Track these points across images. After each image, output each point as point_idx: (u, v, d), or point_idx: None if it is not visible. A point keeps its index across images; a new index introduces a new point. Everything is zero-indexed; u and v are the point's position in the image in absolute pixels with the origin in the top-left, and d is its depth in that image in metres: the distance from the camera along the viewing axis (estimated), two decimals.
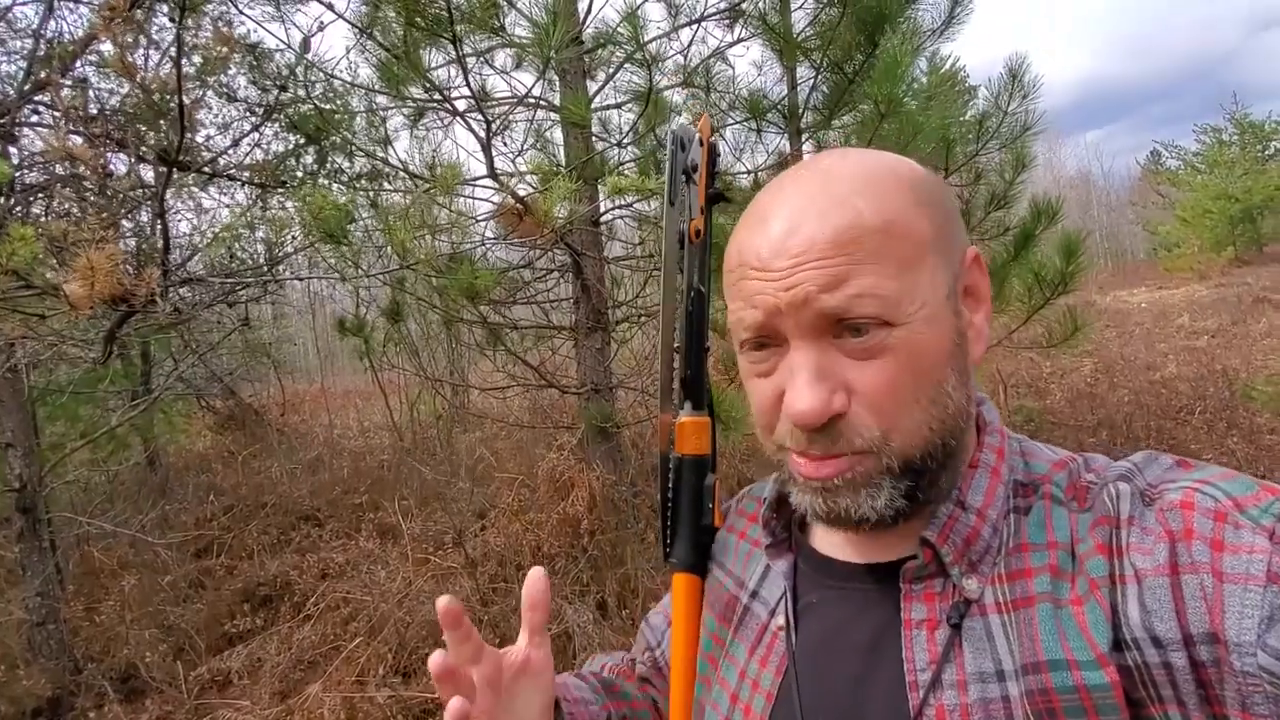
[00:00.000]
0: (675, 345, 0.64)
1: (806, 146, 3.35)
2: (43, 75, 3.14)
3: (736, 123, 3.44)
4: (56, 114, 3.18)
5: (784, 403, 0.45)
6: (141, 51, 3.48)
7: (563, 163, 3.76)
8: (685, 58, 3.87)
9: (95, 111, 3.49)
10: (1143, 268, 20.62)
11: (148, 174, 4.24)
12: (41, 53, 3.35)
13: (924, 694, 0.43)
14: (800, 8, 3.35)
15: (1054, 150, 30.56)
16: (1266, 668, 0.35)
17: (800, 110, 3.30)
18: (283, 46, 4.36)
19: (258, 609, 3.56)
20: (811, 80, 3.21)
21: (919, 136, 2.88)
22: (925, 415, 0.44)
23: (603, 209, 3.86)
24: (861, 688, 0.47)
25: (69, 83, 3.59)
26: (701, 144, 0.61)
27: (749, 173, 3.51)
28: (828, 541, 0.53)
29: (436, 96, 3.70)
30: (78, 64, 3.49)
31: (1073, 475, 0.47)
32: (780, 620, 0.53)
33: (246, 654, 3.12)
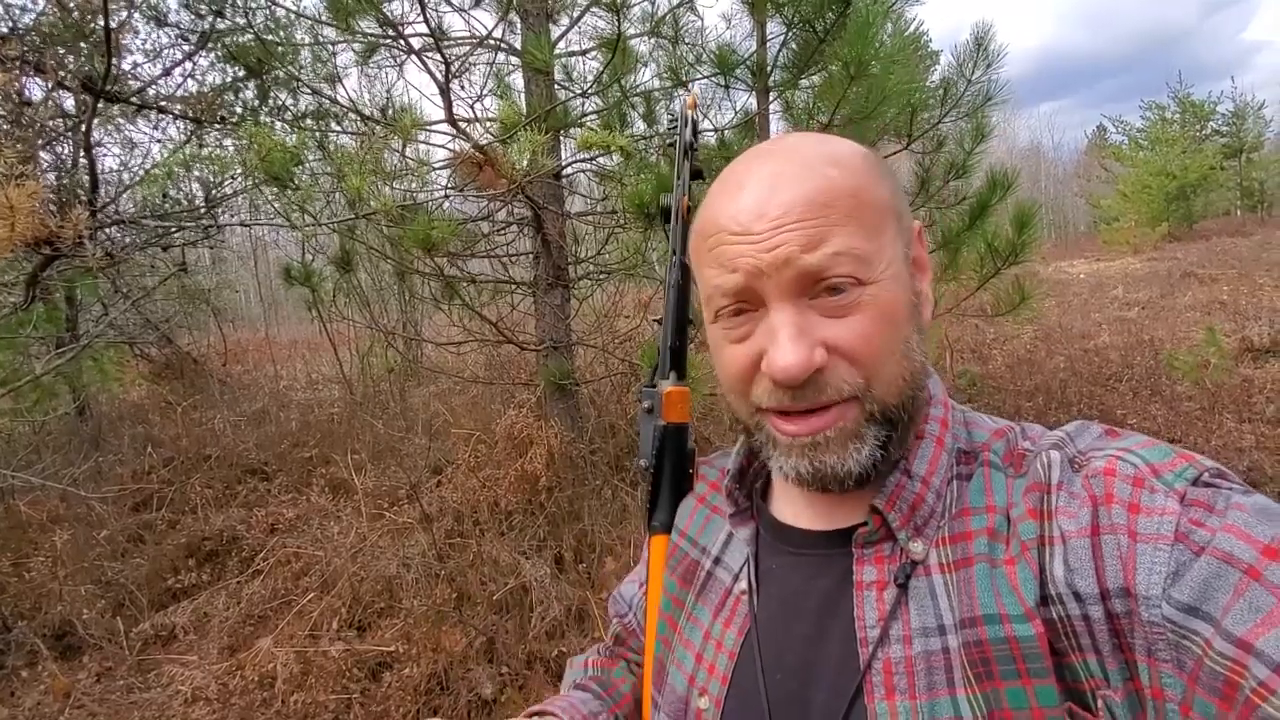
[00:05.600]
0: (657, 318, 0.65)
1: (774, 106, 3.31)
2: None
3: (704, 78, 3.36)
4: None
5: (765, 362, 0.46)
6: None
7: (524, 111, 3.62)
8: (653, 5, 3.74)
9: (6, 30, 3.16)
10: (1084, 240, 21.45)
11: (67, 102, 3.91)
12: None
13: (873, 649, 0.46)
14: None
15: (1009, 120, 31.11)
16: (1169, 618, 0.38)
17: (769, 68, 3.24)
18: None
19: (203, 564, 3.47)
20: (782, 37, 3.15)
21: (885, 101, 2.88)
22: (899, 367, 0.47)
23: (564, 162, 3.76)
24: (817, 645, 0.50)
25: None
26: (687, 122, 0.62)
27: (715, 131, 3.46)
28: (787, 511, 0.56)
29: (390, 32, 3.49)
30: None
31: (1010, 443, 0.51)
32: (743, 585, 0.56)
33: (192, 609, 3.05)
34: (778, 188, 0.46)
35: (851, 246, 0.45)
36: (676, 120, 0.64)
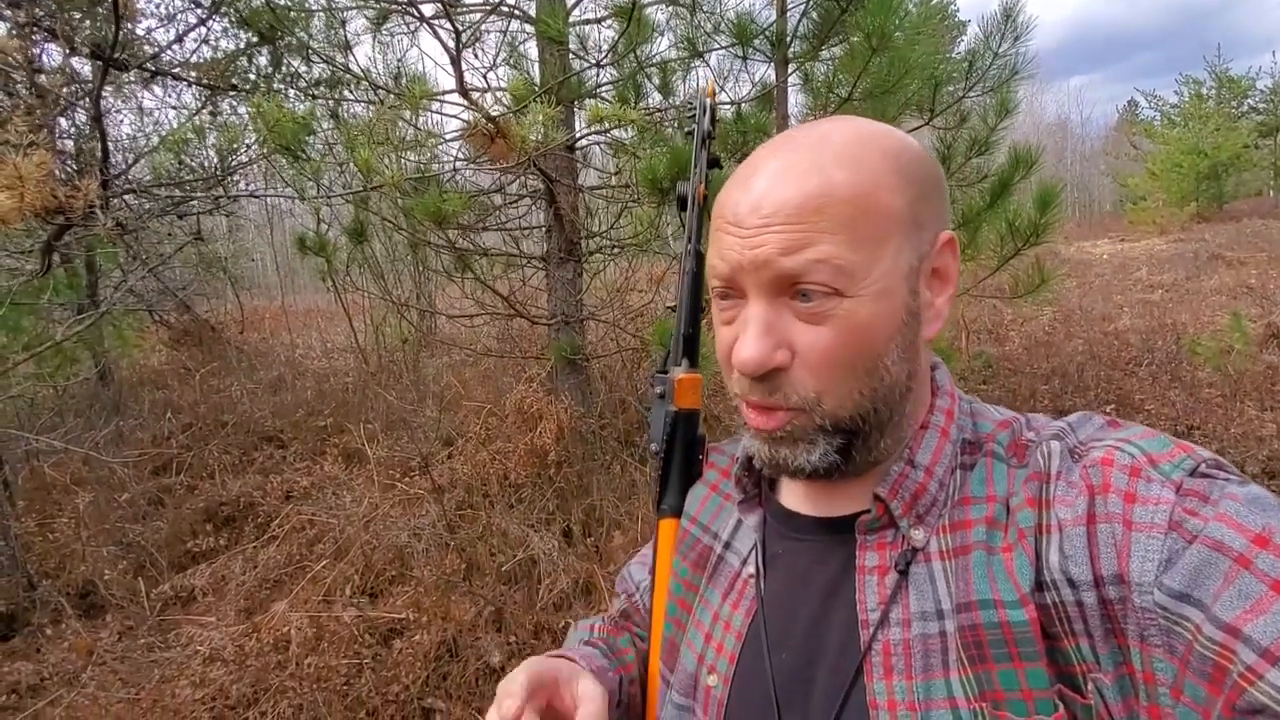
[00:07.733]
0: (671, 304, 0.65)
1: (793, 79, 3.23)
2: None
3: (721, 48, 3.28)
4: None
5: (734, 352, 0.48)
6: None
7: (537, 80, 3.57)
8: None
9: None
10: (1109, 219, 20.95)
11: (85, 68, 3.90)
12: None
13: (873, 631, 0.48)
14: None
15: (1036, 95, 30.16)
16: (1160, 604, 0.39)
17: (788, 38, 3.15)
18: None
19: (220, 528, 3.55)
20: (802, 5, 3.06)
21: (908, 74, 2.80)
22: (858, 383, 0.47)
23: (577, 134, 3.71)
24: (820, 626, 0.51)
25: None
26: (705, 110, 0.62)
27: (731, 104, 3.39)
28: (793, 497, 0.58)
29: None
30: None
31: (1014, 434, 0.51)
32: (751, 569, 0.58)
33: (210, 572, 3.14)
34: (777, 185, 0.46)
35: (833, 256, 0.45)
36: (695, 109, 0.64)
